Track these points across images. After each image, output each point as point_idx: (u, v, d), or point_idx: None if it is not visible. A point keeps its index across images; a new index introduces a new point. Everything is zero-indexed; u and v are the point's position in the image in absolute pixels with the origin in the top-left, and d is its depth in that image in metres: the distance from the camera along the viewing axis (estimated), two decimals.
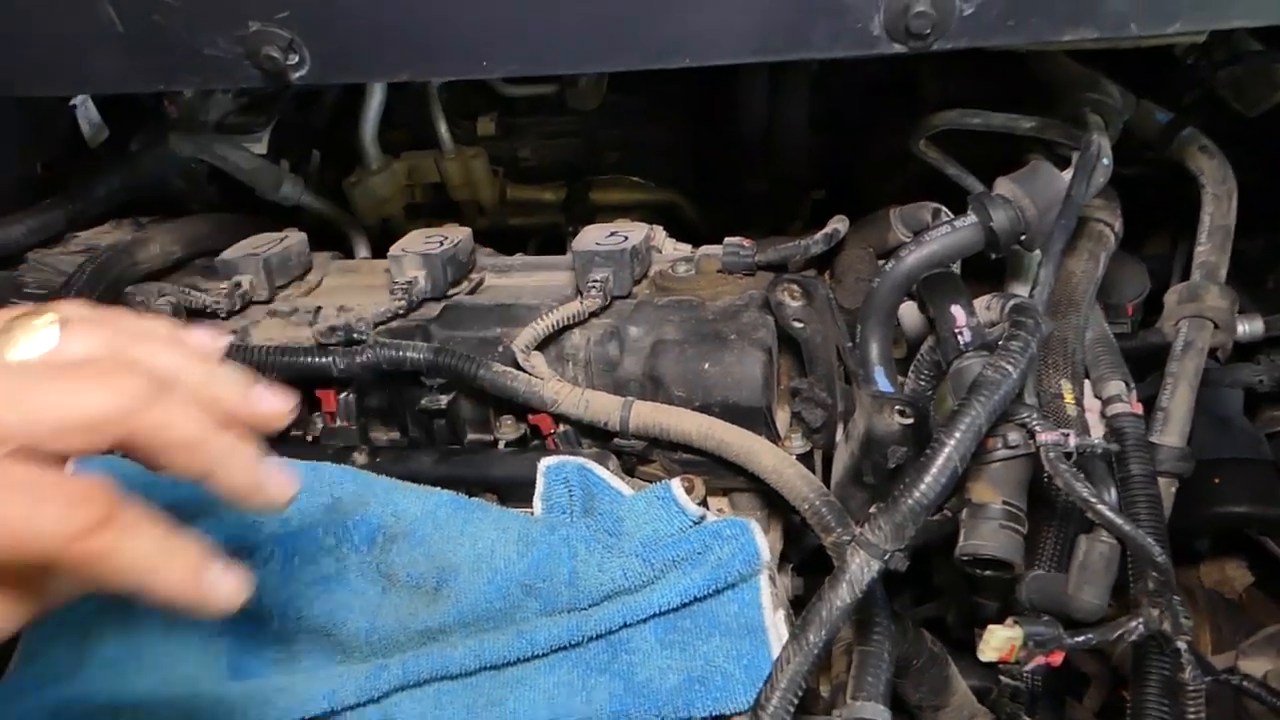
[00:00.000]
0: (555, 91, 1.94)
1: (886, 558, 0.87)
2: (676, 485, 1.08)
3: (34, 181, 1.76)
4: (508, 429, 1.28)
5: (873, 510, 1.06)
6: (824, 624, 0.85)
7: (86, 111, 1.79)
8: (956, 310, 1.02)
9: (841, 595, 0.86)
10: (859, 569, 0.86)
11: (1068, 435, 0.93)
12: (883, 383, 1.11)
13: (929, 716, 1.26)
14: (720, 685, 0.98)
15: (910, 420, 1.08)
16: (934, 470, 0.85)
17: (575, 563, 1.05)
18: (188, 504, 1.13)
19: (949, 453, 0.85)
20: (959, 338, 1.01)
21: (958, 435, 0.86)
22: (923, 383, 1.13)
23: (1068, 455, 0.94)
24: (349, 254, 1.70)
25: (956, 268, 1.18)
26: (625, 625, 1.02)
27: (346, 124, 1.92)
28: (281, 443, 1.20)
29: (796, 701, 0.85)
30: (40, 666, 1.09)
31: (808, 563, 1.40)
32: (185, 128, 1.68)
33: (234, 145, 1.60)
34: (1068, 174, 1.16)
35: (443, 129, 1.84)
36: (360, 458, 1.20)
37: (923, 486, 0.85)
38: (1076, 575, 1.08)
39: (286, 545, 1.14)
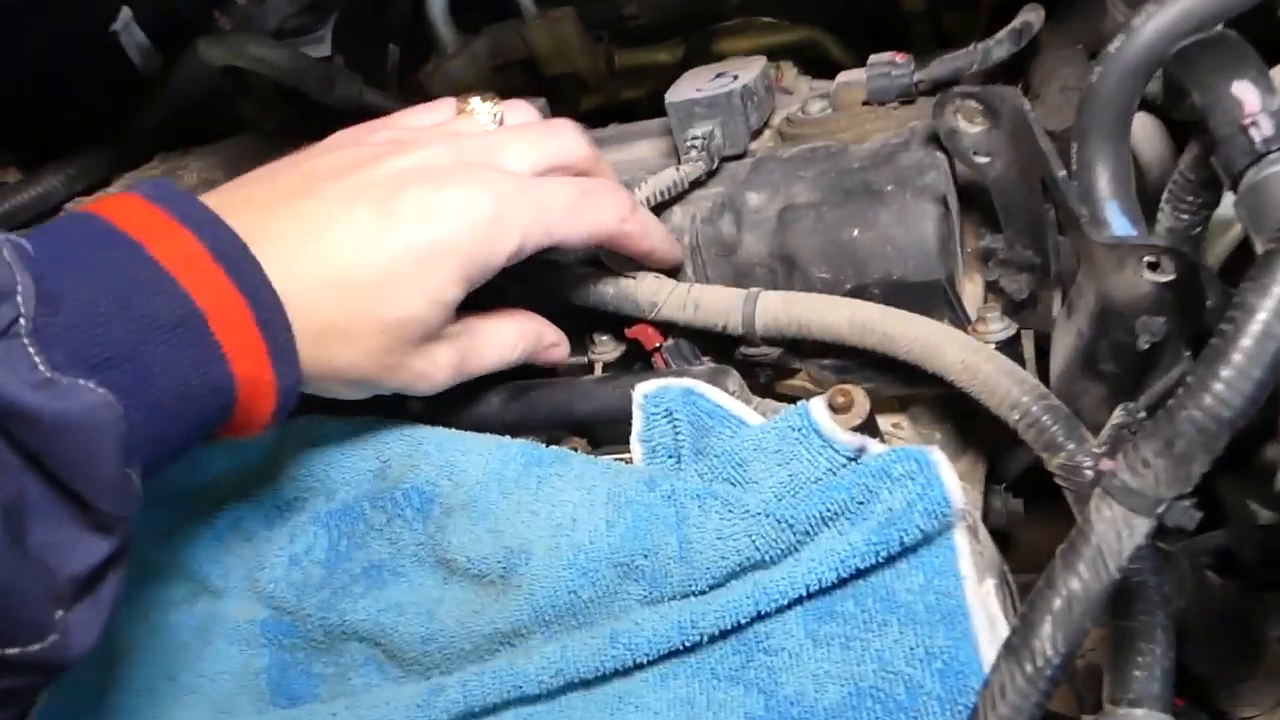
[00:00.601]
0: None
1: (1161, 511, 0.52)
2: (818, 407, 0.75)
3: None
4: (604, 349, 0.98)
5: (1130, 426, 0.71)
6: (1061, 624, 0.51)
7: (132, 36, 1.58)
8: (1244, 90, 0.63)
9: (1085, 578, 0.52)
10: (1113, 534, 0.52)
11: None
12: (1120, 224, 0.74)
13: (1224, 692, 0.90)
14: (903, 702, 0.66)
15: (1169, 276, 0.70)
16: (1238, 356, 0.48)
17: (685, 528, 0.75)
18: (218, 486, 0.90)
19: (1265, 322, 0.48)
20: (1252, 132, 0.62)
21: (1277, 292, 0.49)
22: (1184, 218, 0.74)
23: None
24: None
25: None
26: (761, 615, 0.71)
27: (423, 13, 1.64)
28: None
29: None
30: (67, 696, 0.89)
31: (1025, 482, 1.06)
32: None
33: (269, 44, 1.34)
34: None
35: None
36: (415, 403, 0.93)
37: (1219, 388, 0.48)
38: None
39: (332, 527, 0.89)
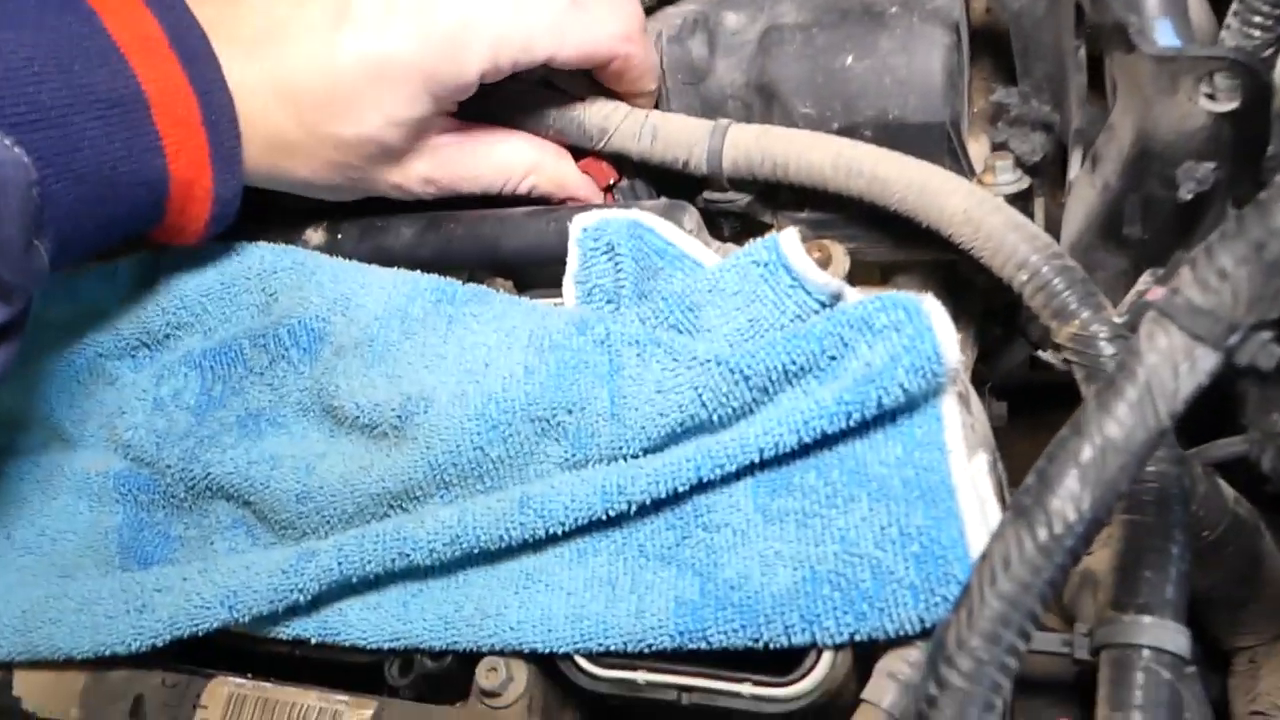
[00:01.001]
0: None
1: (1233, 342, 0.39)
2: (790, 238, 0.62)
3: None
4: None
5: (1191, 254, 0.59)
6: (1090, 480, 0.39)
7: None
8: None
9: (1127, 424, 0.39)
10: (1169, 368, 0.39)
11: None
12: (1167, 36, 0.61)
13: (1223, 617, 0.79)
14: (868, 589, 0.54)
15: (1231, 103, 0.57)
16: None
17: (620, 380, 0.62)
18: (78, 319, 0.76)
19: None
20: None
21: None
22: (1256, 34, 0.61)
23: None
24: None
25: None
26: (703, 484, 0.59)
27: None
28: None
29: (1023, 644, 0.40)
30: None
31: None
32: None
33: None
34: None
35: None
36: (315, 235, 0.79)
37: None
38: None
39: (205, 369, 0.75)
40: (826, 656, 0.55)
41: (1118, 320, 0.65)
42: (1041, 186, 0.83)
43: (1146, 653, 0.55)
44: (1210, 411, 0.62)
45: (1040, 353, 0.93)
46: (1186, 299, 0.39)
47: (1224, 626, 0.80)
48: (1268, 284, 0.37)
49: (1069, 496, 0.39)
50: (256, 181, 0.70)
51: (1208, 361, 0.39)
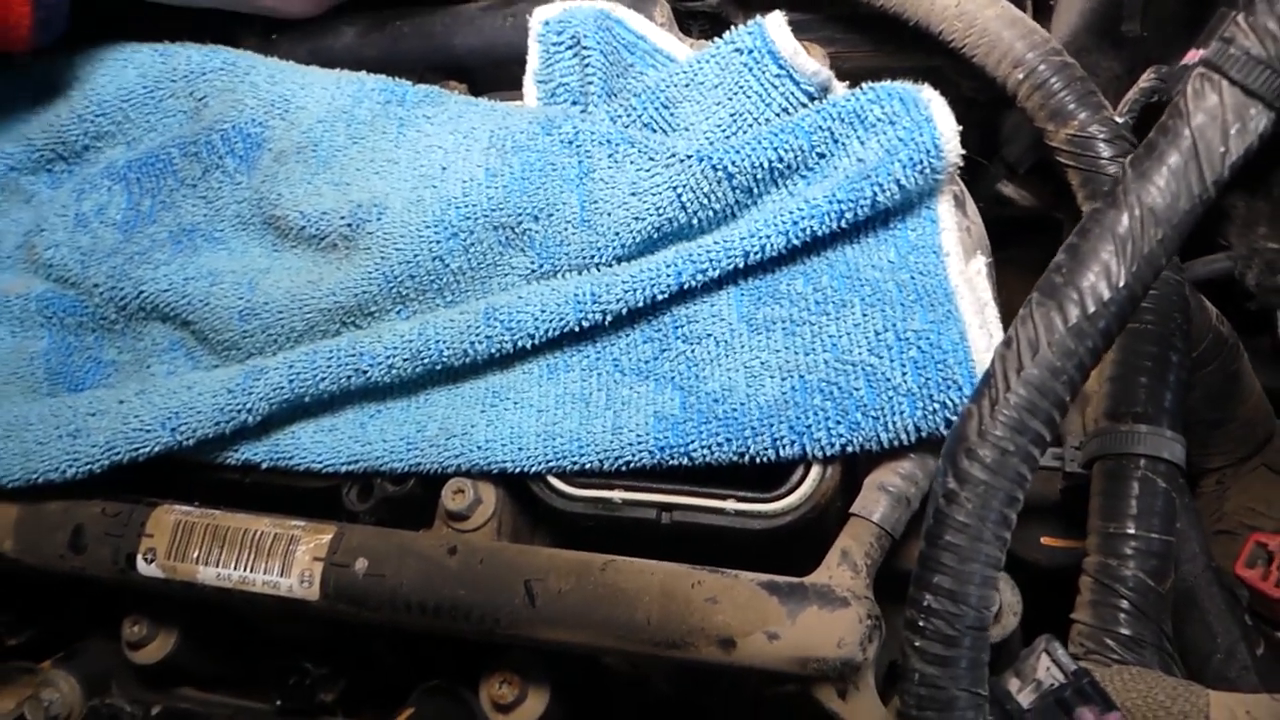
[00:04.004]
0: None
1: None
2: (777, 22, 0.56)
3: None
4: None
5: (1162, 92, 0.56)
6: (1127, 253, 0.35)
7: None
8: None
9: (1169, 189, 0.35)
10: (1217, 128, 0.35)
11: None
12: None
13: (1195, 438, 0.78)
14: (863, 397, 0.51)
15: None
16: None
17: (591, 183, 0.57)
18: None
19: None
20: None
21: None
22: None
23: None
24: None
25: None
26: (684, 292, 0.55)
27: None
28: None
29: (1049, 435, 0.37)
30: None
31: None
32: None
33: None
34: None
35: None
36: (250, 39, 0.71)
37: None
38: None
39: (131, 181, 0.68)
40: (815, 469, 0.52)
41: (1118, 120, 0.61)
42: None
43: (1143, 462, 0.53)
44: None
45: (1002, 186, 0.90)
46: (1242, 49, 0.35)
47: (1195, 449, 0.79)
48: None
49: (1104, 272, 0.35)
50: None
51: (1261, 121, 0.35)
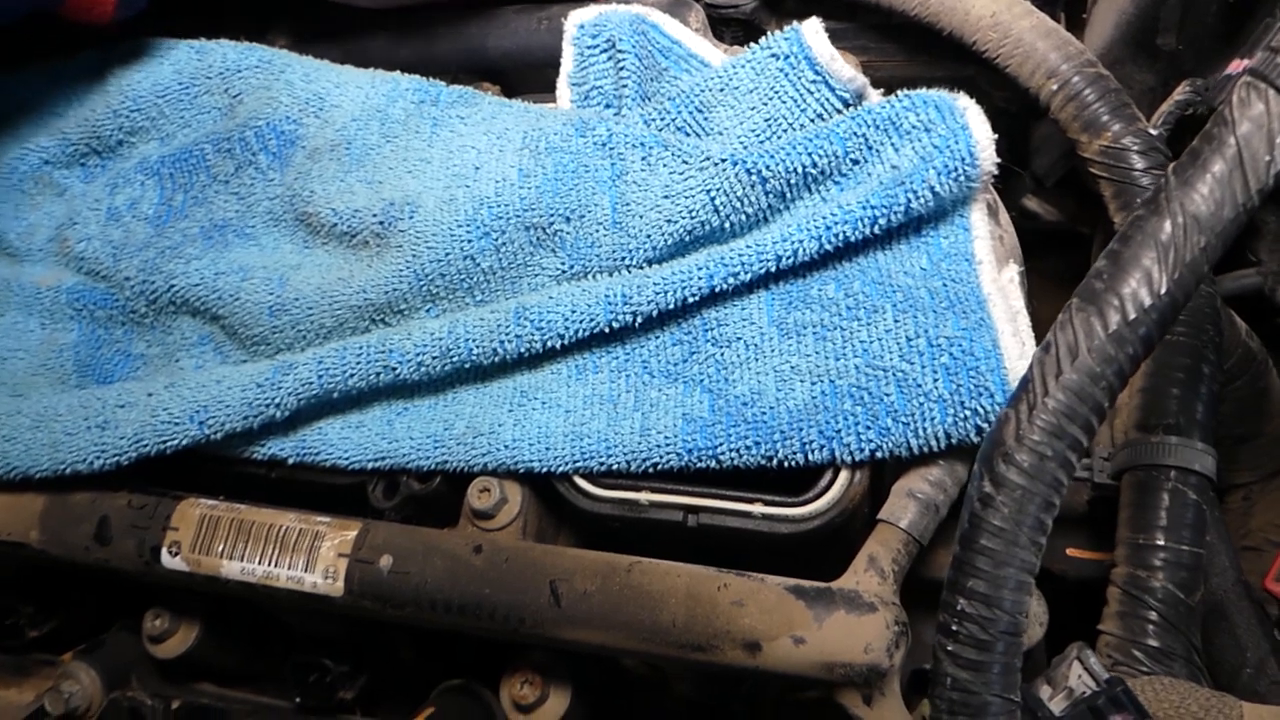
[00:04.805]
0: None
1: None
2: (814, 28, 0.56)
3: None
4: None
5: (1197, 106, 0.56)
6: (1170, 260, 0.35)
7: None
8: None
9: (1214, 196, 0.35)
10: (1263, 136, 0.35)
11: None
12: None
13: (1222, 453, 0.77)
14: (894, 403, 0.51)
15: None
16: None
17: (623, 185, 0.57)
18: (20, 123, 0.69)
19: None
20: None
21: None
22: None
23: None
24: None
25: None
26: (715, 295, 0.55)
27: None
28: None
29: (1087, 440, 0.37)
30: None
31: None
32: None
33: None
34: None
35: None
36: (281, 39, 0.72)
37: None
38: None
39: (164, 176, 0.69)
40: (844, 474, 0.52)
41: (1153, 133, 0.61)
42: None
43: (1174, 474, 0.53)
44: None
45: (1027, 200, 0.90)
46: None
47: (1222, 464, 0.79)
48: None
49: (1145, 279, 0.35)
50: None
51: None
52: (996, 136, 0.54)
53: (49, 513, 0.61)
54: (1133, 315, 0.35)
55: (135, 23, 0.68)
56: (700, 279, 0.54)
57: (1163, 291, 0.35)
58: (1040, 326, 0.49)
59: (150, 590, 0.63)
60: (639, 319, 0.55)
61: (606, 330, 0.55)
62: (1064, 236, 0.88)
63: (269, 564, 0.56)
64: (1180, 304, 0.36)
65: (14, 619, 0.70)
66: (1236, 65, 0.42)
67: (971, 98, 0.73)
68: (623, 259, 0.57)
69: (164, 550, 0.58)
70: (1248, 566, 0.66)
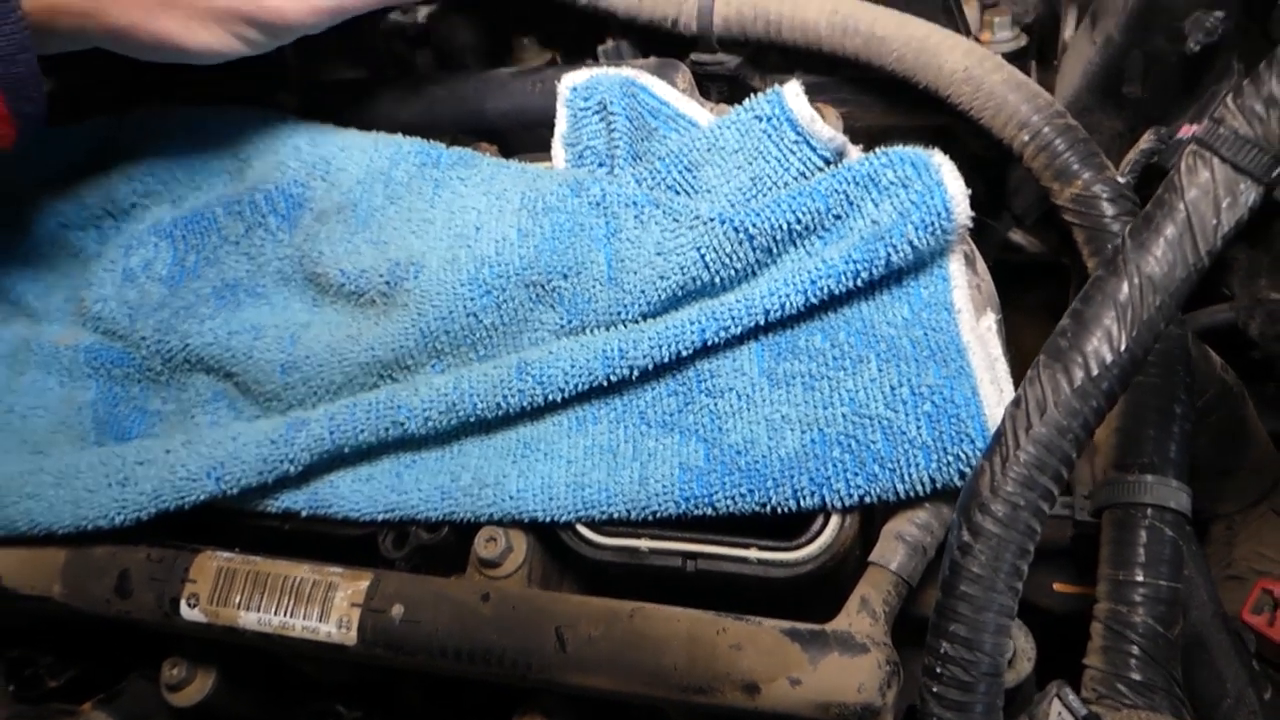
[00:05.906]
0: None
1: (1278, 174, 0.38)
2: (794, 91, 0.59)
3: None
4: (529, 54, 0.81)
5: (1163, 154, 0.58)
6: (1128, 319, 0.38)
7: None
8: None
9: (1167, 259, 0.38)
10: (1209, 202, 0.38)
11: None
12: None
13: (1204, 486, 0.79)
14: (879, 450, 0.53)
15: None
16: None
17: (617, 243, 0.60)
18: (38, 189, 0.72)
19: None
20: None
21: None
22: None
23: None
24: None
25: None
26: (707, 348, 0.57)
27: None
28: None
29: (1057, 490, 0.39)
30: None
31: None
32: None
33: None
34: None
35: None
36: (290, 99, 0.75)
37: None
38: None
39: (177, 238, 0.72)
40: (834, 519, 0.54)
41: (1120, 180, 0.64)
42: (1033, 43, 0.81)
43: (1150, 511, 0.55)
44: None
45: (1012, 233, 0.92)
46: (1231, 129, 0.37)
47: (1204, 496, 0.81)
48: None
49: (1106, 337, 0.38)
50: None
51: (1250, 195, 0.38)
52: (970, 191, 0.56)
53: (70, 567, 0.63)
54: (1095, 371, 0.38)
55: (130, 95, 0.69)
56: (693, 333, 0.56)
57: (1123, 349, 0.38)
58: (1023, 358, 0.52)
59: (167, 639, 0.65)
60: (635, 372, 0.57)
61: (605, 383, 0.58)
62: (1048, 268, 0.90)
63: (285, 614, 0.58)
64: (1140, 359, 0.38)
65: (33, 669, 0.72)
66: (1186, 130, 0.45)
67: (950, 145, 0.77)
68: (618, 313, 0.60)
69: (183, 602, 0.60)
70: (1231, 596, 0.68)
